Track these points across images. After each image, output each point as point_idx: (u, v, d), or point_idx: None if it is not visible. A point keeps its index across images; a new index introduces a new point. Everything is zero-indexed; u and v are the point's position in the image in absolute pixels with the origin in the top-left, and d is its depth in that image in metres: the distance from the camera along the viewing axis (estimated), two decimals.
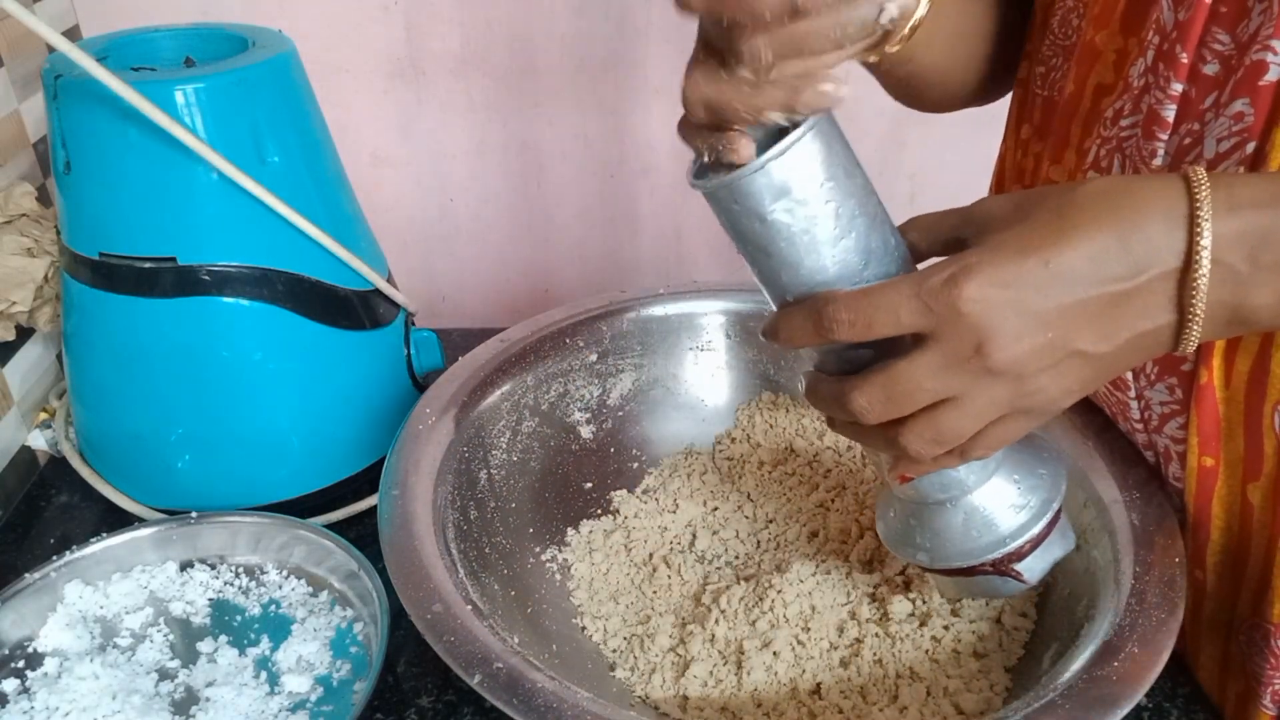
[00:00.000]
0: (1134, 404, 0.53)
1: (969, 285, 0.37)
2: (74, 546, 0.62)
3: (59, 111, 0.61)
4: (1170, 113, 0.47)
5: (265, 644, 0.59)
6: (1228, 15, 0.44)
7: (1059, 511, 0.48)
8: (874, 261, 0.41)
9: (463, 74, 1.06)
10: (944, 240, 0.42)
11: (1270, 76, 0.43)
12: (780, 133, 0.39)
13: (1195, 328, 0.38)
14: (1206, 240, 0.37)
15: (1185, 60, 0.46)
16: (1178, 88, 0.46)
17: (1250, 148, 0.44)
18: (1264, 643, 0.50)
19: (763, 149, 0.39)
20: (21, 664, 0.57)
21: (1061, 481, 0.48)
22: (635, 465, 0.70)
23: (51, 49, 0.56)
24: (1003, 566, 0.48)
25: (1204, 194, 0.37)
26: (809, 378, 0.44)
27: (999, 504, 0.47)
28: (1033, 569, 0.48)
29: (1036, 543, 0.48)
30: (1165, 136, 0.47)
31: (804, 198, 0.39)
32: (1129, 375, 0.52)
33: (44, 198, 0.76)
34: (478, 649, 0.45)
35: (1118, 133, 0.50)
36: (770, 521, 0.65)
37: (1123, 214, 0.37)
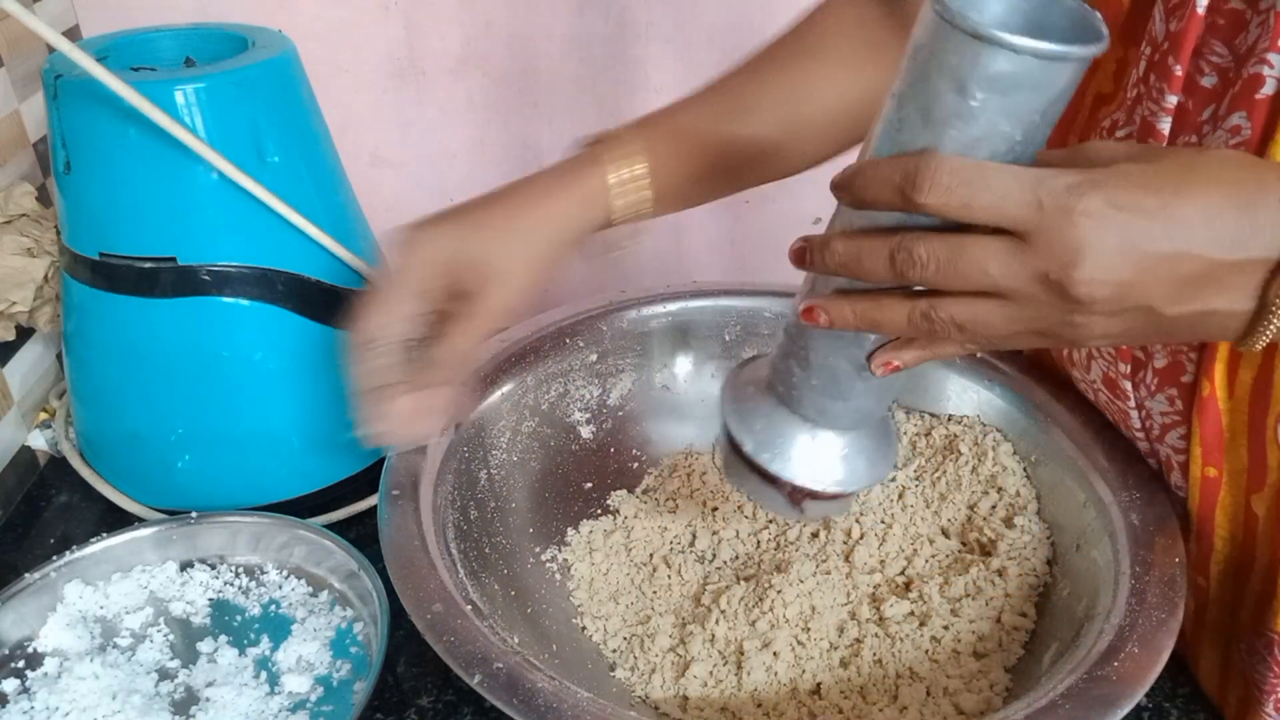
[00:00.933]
0: (1134, 413, 0.53)
1: (1093, 197, 0.35)
2: (74, 546, 0.62)
3: (59, 111, 0.61)
4: (1165, 124, 0.47)
5: (265, 644, 0.59)
6: (1225, 27, 0.44)
7: (847, 495, 0.50)
8: None
9: (463, 74, 1.06)
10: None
11: (1266, 90, 0.42)
12: (1041, 27, 0.36)
13: (1273, 323, 0.37)
14: None
15: (1179, 72, 0.45)
16: (1172, 100, 0.46)
17: None
18: (1266, 651, 0.50)
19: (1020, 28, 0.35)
20: (21, 664, 0.57)
21: (885, 474, 0.51)
22: (635, 465, 0.70)
23: (51, 49, 0.56)
24: (798, 495, 0.50)
25: None
26: (821, 238, 0.41)
27: (841, 454, 0.49)
28: (813, 511, 0.50)
29: (834, 498, 0.50)
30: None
31: (1012, 108, 0.35)
32: (1128, 385, 0.52)
33: (44, 198, 0.75)
34: (478, 649, 0.45)
35: None
36: (770, 521, 0.65)
37: (1244, 188, 0.36)
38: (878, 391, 0.47)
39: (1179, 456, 0.52)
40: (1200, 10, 0.44)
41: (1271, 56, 0.42)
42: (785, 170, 0.61)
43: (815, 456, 0.49)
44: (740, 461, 0.51)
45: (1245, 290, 0.37)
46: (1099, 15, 0.37)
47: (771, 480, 0.50)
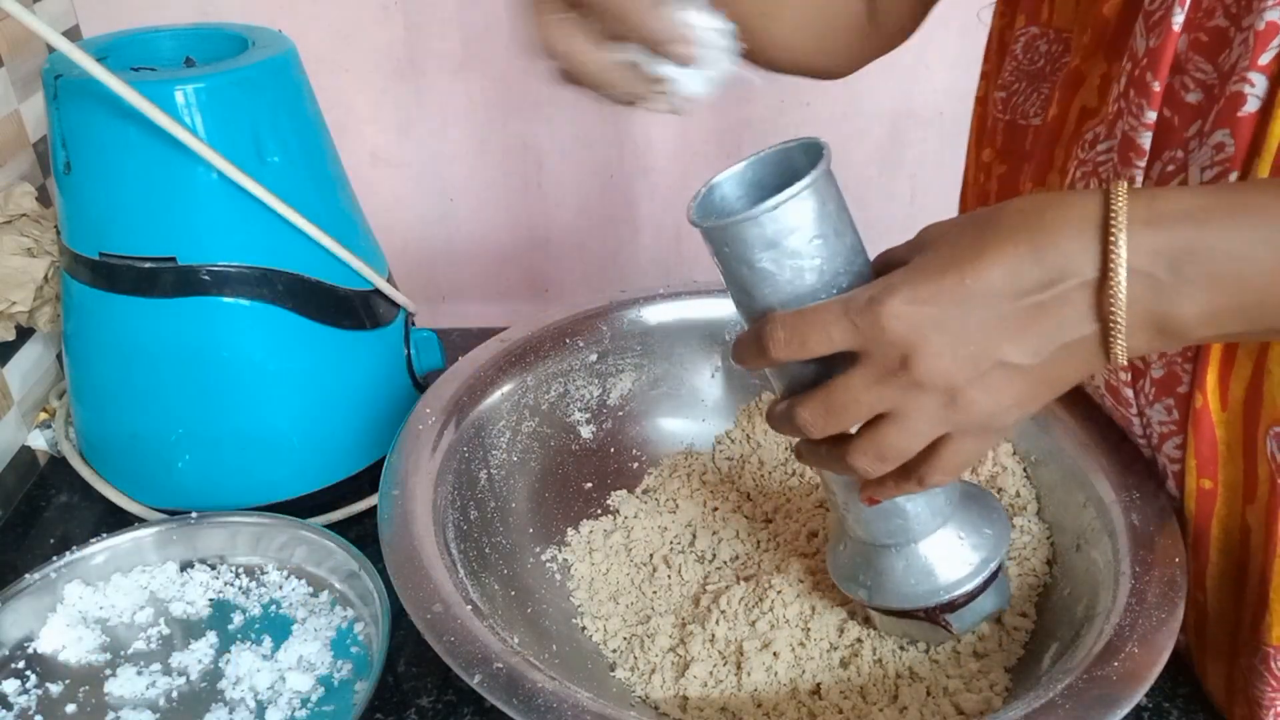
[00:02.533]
0: (1136, 421, 0.53)
1: (890, 302, 0.39)
2: (74, 546, 0.62)
3: (59, 111, 0.61)
4: (1146, 140, 0.47)
5: (266, 644, 0.59)
6: (1209, 45, 0.44)
7: (997, 570, 0.50)
8: None
9: (463, 74, 1.06)
10: (895, 266, 0.43)
11: (1248, 108, 0.42)
12: (778, 187, 0.41)
13: (1120, 338, 0.38)
14: (1122, 249, 0.37)
15: (1158, 88, 0.46)
16: (1151, 115, 0.46)
17: (1233, 178, 0.44)
18: (1263, 666, 0.50)
19: (758, 199, 0.41)
20: (21, 664, 0.57)
21: (1004, 543, 0.51)
22: (635, 465, 0.70)
23: (51, 49, 0.56)
24: (934, 615, 0.51)
25: (1120, 204, 0.37)
26: (769, 405, 0.46)
27: (941, 556, 0.50)
28: (962, 620, 0.51)
29: (970, 598, 0.50)
30: (1143, 164, 0.47)
31: (792, 251, 0.41)
32: (1129, 393, 0.52)
33: (44, 198, 0.76)
34: (478, 649, 0.45)
35: (1094, 156, 0.50)
36: (769, 521, 0.65)
37: (1036, 228, 0.38)
38: (926, 495, 0.48)
39: (1174, 466, 0.52)
40: (1176, 28, 0.44)
41: (1252, 75, 0.42)
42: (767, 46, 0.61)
43: (917, 574, 0.50)
44: (878, 614, 0.53)
45: (1082, 315, 0.38)
46: (819, 141, 0.42)
47: (902, 614, 0.51)
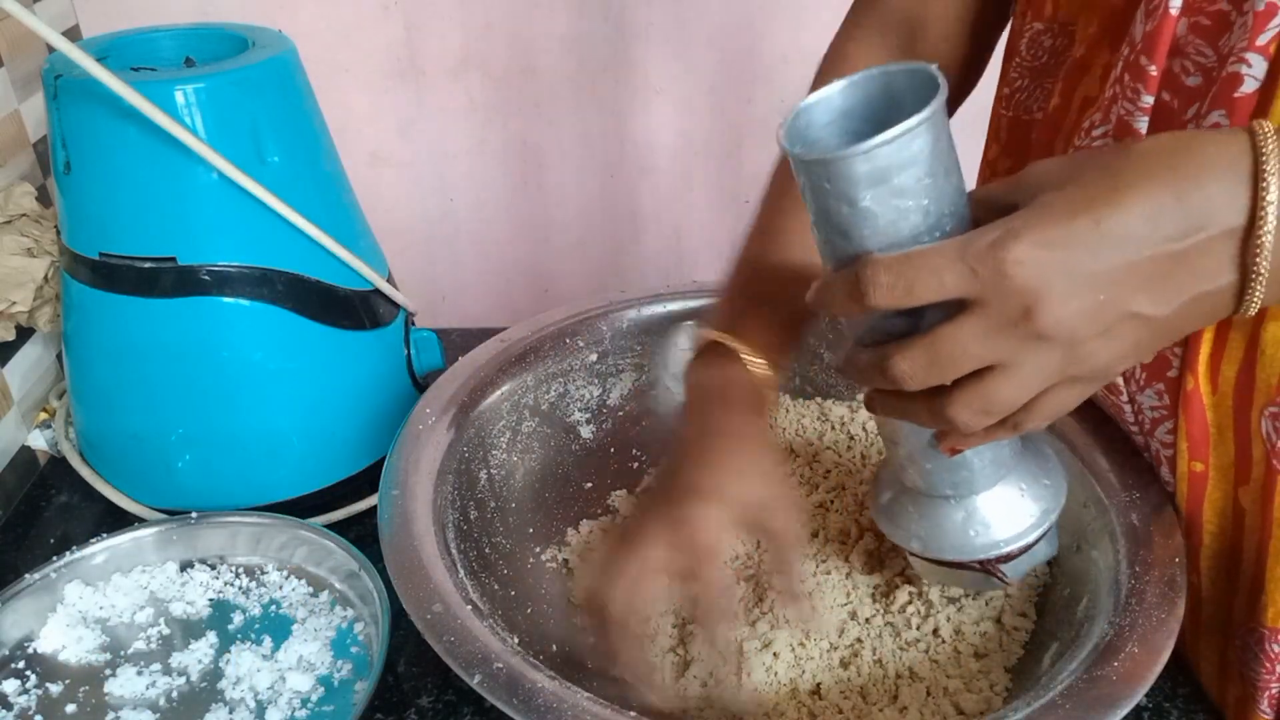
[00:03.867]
0: (1127, 407, 0.54)
1: (1015, 247, 0.35)
2: (74, 546, 0.62)
3: (59, 111, 0.61)
4: (1143, 124, 0.47)
5: (266, 644, 0.59)
6: (1210, 28, 0.44)
7: (1053, 521, 0.49)
8: None
9: (463, 74, 1.06)
10: (998, 208, 0.39)
11: (1245, 89, 0.42)
12: (873, 116, 0.38)
13: (1259, 288, 0.36)
14: (1273, 195, 0.35)
15: (1154, 72, 0.45)
16: (1148, 100, 0.46)
17: None
18: (1258, 647, 0.50)
19: (867, 127, 0.37)
20: (21, 664, 0.57)
21: (1063, 493, 0.49)
22: (635, 465, 0.70)
23: (51, 49, 0.56)
24: (990, 566, 0.49)
25: (1270, 146, 0.35)
26: (846, 352, 0.43)
27: (1001, 508, 0.48)
28: (1017, 570, 0.50)
29: (1027, 548, 0.49)
30: None
31: (901, 189, 0.37)
32: (1120, 380, 0.53)
33: (44, 198, 0.76)
34: (478, 649, 0.45)
35: (1089, 143, 0.50)
36: None
37: (1180, 169, 0.35)
38: (991, 444, 0.46)
39: (1167, 451, 0.52)
40: (1173, 11, 0.44)
41: (1249, 55, 0.42)
42: None
43: (977, 525, 0.48)
44: (924, 562, 0.52)
45: (1222, 265, 0.36)
46: (932, 66, 0.38)
47: (955, 565, 0.50)
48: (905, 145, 0.36)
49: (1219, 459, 0.50)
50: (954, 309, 0.38)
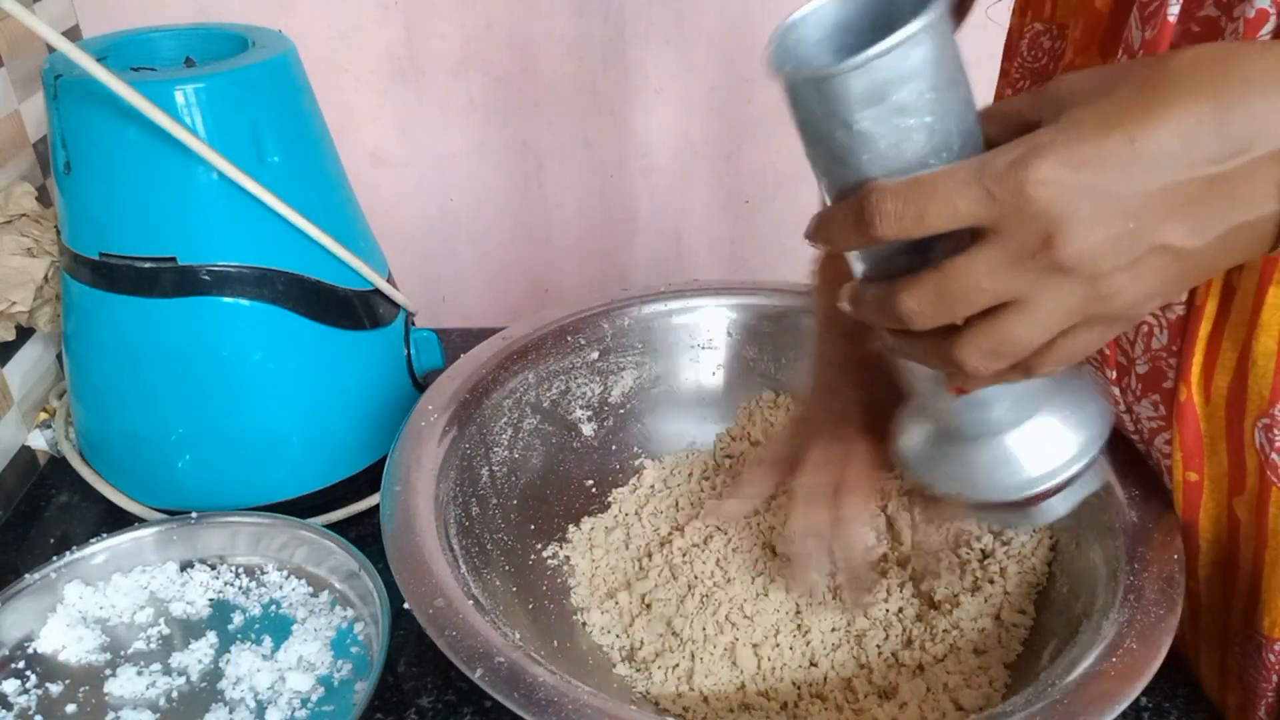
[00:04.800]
0: (1125, 417, 0.54)
1: (1039, 166, 0.32)
2: (74, 546, 0.62)
3: (59, 111, 0.61)
4: None
5: (266, 644, 0.59)
6: (1201, 35, 0.44)
7: (1096, 453, 0.44)
8: None
9: (463, 74, 1.06)
10: (1018, 125, 0.36)
11: None
12: (869, 30, 0.35)
13: None
14: None
15: None
16: None
17: None
18: (1257, 655, 0.50)
19: (864, 40, 0.33)
20: (21, 664, 0.57)
21: (1109, 417, 0.44)
22: (636, 463, 0.70)
23: (51, 49, 0.56)
24: (1034, 501, 0.45)
25: None
26: (852, 287, 0.39)
27: (1039, 442, 0.43)
28: (1055, 508, 0.45)
29: (1066, 484, 0.44)
30: None
31: (901, 106, 0.33)
32: (1116, 390, 0.52)
33: (44, 198, 0.76)
34: (480, 644, 0.45)
35: None
36: (763, 516, 0.65)
37: (1223, 84, 0.32)
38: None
39: (1166, 461, 0.52)
40: (1171, 18, 0.44)
41: None
42: None
43: (1007, 464, 0.44)
44: (958, 505, 0.47)
45: (1265, 192, 0.33)
46: None
47: (995, 506, 0.46)
48: (904, 56, 0.32)
49: (1213, 469, 0.49)
50: (967, 239, 0.35)
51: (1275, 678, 0.50)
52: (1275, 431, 0.45)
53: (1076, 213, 0.32)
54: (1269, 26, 0.41)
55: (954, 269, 0.35)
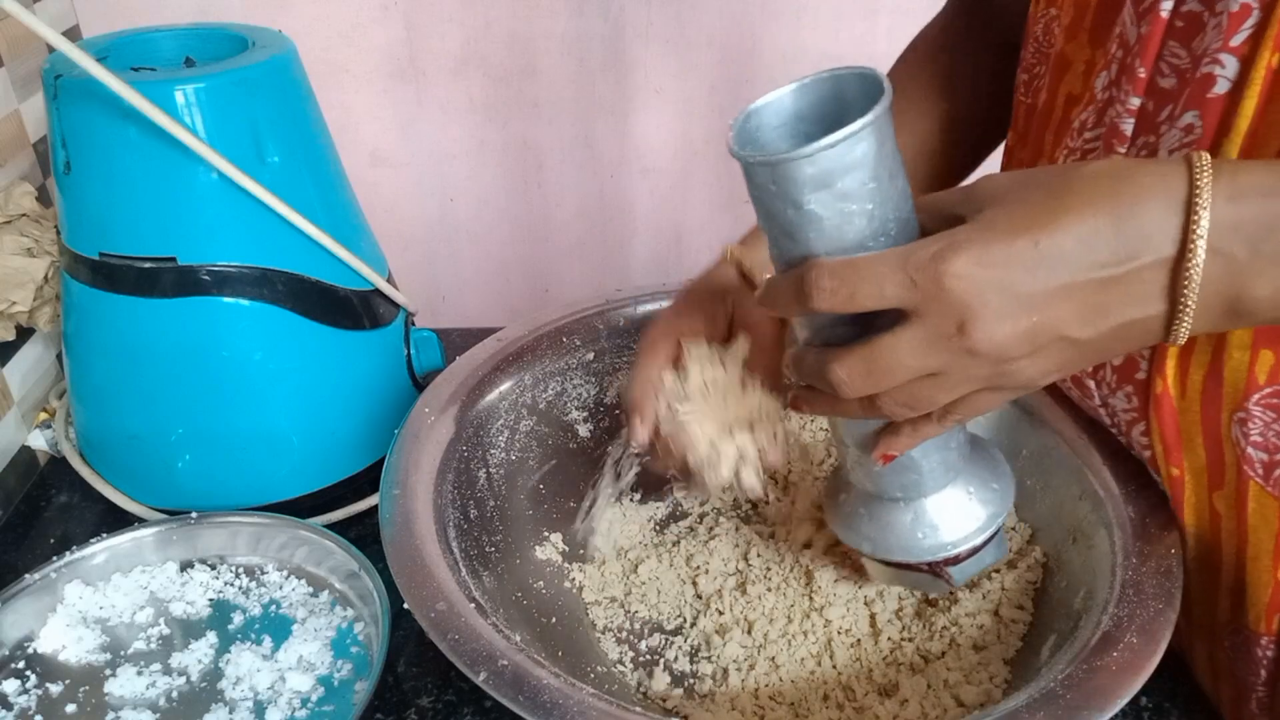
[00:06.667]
0: (1101, 411, 0.54)
1: (956, 260, 0.36)
2: (74, 546, 0.62)
3: (59, 111, 0.61)
4: (1129, 126, 0.47)
5: (266, 644, 0.59)
6: (1184, 30, 0.44)
7: (1000, 525, 0.50)
8: None
9: (463, 74, 1.06)
10: (946, 218, 0.40)
11: (1218, 89, 0.42)
12: (823, 119, 0.38)
13: (1186, 319, 0.37)
14: (1203, 228, 0.35)
15: (1143, 75, 0.46)
16: (1135, 102, 0.46)
17: None
18: (1245, 649, 0.50)
19: (818, 130, 0.38)
20: (21, 664, 0.57)
21: (1010, 498, 0.50)
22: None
23: (51, 49, 0.56)
24: (937, 568, 0.50)
25: (1205, 179, 0.35)
26: (794, 350, 0.44)
27: (949, 511, 0.49)
28: (964, 572, 0.51)
29: (974, 551, 0.50)
30: (1124, 150, 0.47)
31: (845, 193, 0.38)
32: (1091, 383, 0.53)
33: (44, 198, 0.76)
34: (482, 646, 0.45)
35: (1082, 144, 0.50)
36: (769, 519, 0.65)
37: (1119, 196, 0.36)
38: (938, 448, 0.47)
39: (1145, 452, 0.52)
40: (1164, 14, 0.44)
41: (1223, 56, 0.42)
42: None
43: (925, 528, 0.49)
44: (874, 563, 0.52)
45: (1152, 294, 0.37)
46: (879, 71, 0.39)
47: (903, 566, 0.51)
48: (849, 149, 0.37)
49: (1192, 463, 0.50)
50: (896, 315, 0.38)
51: (1264, 671, 0.50)
52: (1250, 426, 0.46)
53: (986, 305, 0.36)
54: (1251, 21, 0.41)
55: (879, 347, 0.39)
